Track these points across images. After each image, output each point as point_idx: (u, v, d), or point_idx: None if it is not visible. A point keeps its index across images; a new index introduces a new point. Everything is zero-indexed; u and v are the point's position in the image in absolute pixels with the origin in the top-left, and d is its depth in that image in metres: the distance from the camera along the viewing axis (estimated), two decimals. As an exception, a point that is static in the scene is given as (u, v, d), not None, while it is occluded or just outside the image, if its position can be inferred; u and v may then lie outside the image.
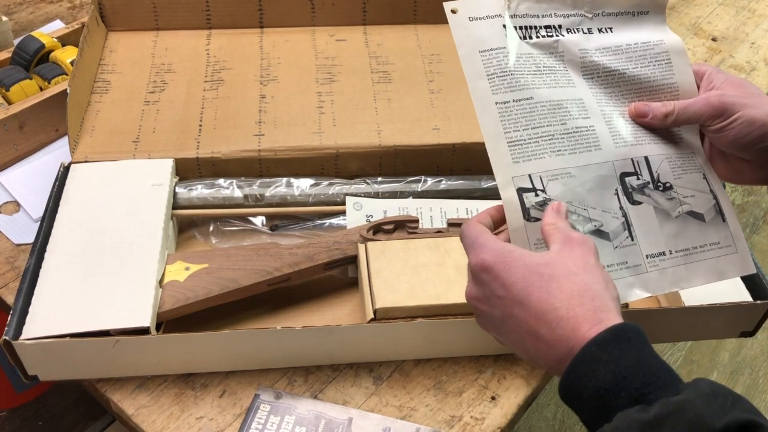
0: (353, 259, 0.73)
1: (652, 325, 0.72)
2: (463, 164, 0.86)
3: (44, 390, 1.32)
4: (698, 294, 0.72)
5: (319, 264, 0.72)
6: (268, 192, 0.80)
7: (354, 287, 0.76)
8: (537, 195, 0.55)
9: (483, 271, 0.49)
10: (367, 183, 0.82)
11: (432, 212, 0.80)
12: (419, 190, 0.82)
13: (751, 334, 0.75)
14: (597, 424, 0.43)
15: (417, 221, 0.75)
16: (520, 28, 0.59)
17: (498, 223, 0.56)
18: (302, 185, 0.81)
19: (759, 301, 0.71)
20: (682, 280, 0.58)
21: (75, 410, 1.34)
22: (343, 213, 0.80)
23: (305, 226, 0.82)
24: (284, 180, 0.81)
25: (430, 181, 0.83)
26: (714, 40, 1.25)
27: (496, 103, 0.56)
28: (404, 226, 0.75)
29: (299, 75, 0.92)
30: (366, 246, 0.72)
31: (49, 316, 0.64)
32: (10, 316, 0.64)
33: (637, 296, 0.56)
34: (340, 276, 0.76)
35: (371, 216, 0.79)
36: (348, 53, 0.96)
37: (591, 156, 0.57)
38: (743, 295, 0.73)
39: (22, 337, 0.62)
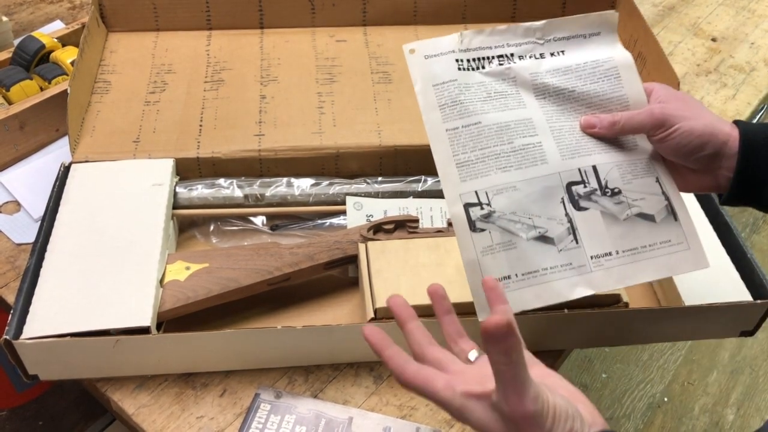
0: (353, 259, 0.73)
1: (652, 325, 0.72)
2: (463, 164, 0.86)
3: (44, 390, 1.32)
4: (698, 294, 0.72)
5: (320, 264, 0.72)
6: (269, 192, 0.80)
7: (354, 287, 0.76)
8: (482, 209, 0.60)
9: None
10: (368, 183, 0.82)
11: (432, 212, 0.80)
12: (419, 190, 0.82)
13: (751, 333, 0.75)
14: None
15: (417, 221, 0.75)
16: (473, 60, 0.64)
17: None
18: (302, 185, 0.81)
19: (759, 301, 0.71)
20: (628, 277, 0.61)
21: (75, 410, 1.34)
22: (344, 213, 0.80)
23: (305, 226, 0.82)
24: (284, 180, 0.82)
25: (430, 181, 0.83)
26: (714, 40, 1.25)
27: (446, 130, 0.62)
28: (404, 226, 0.75)
29: (299, 75, 0.92)
30: (366, 246, 0.72)
31: (50, 315, 0.64)
32: (10, 315, 0.64)
33: (581, 294, 0.60)
34: (340, 276, 0.76)
35: (371, 216, 0.79)
36: (348, 54, 0.96)
37: (537, 170, 0.62)
38: (743, 295, 0.73)
39: (23, 336, 0.63)
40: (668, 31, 1.27)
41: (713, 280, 0.74)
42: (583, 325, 0.70)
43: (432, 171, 0.84)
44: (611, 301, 0.70)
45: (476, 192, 0.60)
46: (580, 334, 0.72)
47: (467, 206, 0.60)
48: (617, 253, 0.61)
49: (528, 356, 0.49)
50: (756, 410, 1.59)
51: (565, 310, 0.68)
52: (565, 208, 0.61)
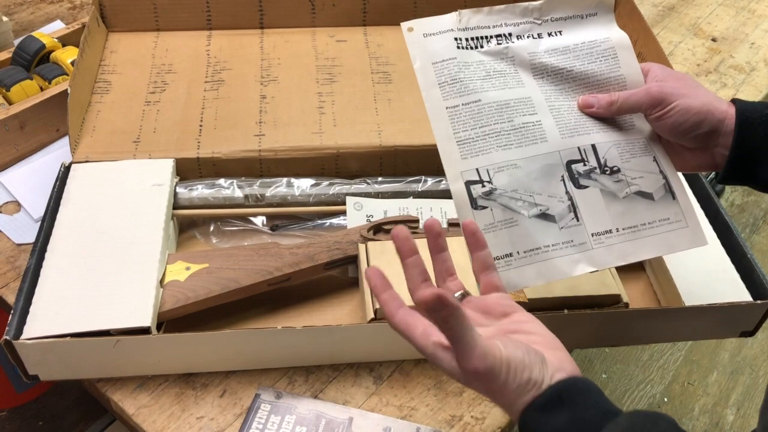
0: (353, 259, 0.73)
1: (652, 325, 0.72)
2: (463, 164, 0.86)
3: (44, 390, 1.32)
4: (698, 294, 0.72)
5: (320, 264, 0.72)
6: (269, 192, 0.80)
7: (354, 287, 0.76)
8: (483, 186, 0.60)
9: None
10: (368, 183, 0.82)
11: (432, 212, 0.80)
12: (419, 190, 0.82)
13: (751, 334, 0.75)
14: None
15: (417, 221, 0.75)
16: (472, 39, 0.65)
17: None
18: (302, 185, 0.81)
19: (759, 301, 0.71)
20: (629, 254, 0.62)
21: (75, 410, 1.34)
22: (344, 213, 0.80)
23: (305, 226, 0.82)
24: (285, 180, 0.82)
25: (430, 181, 0.83)
26: (714, 40, 1.25)
27: (447, 107, 0.62)
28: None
29: (300, 75, 0.92)
30: (366, 246, 0.72)
31: (50, 315, 0.64)
32: (10, 315, 0.64)
33: (583, 270, 0.61)
34: (340, 276, 0.76)
35: (371, 216, 0.79)
36: (348, 54, 0.96)
37: (537, 148, 0.62)
38: (743, 295, 0.73)
39: (23, 336, 0.63)
40: (668, 31, 1.27)
41: (713, 280, 0.74)
42: (583, 325, 0.70)
43: (432, 171, 0.85)
44: (611, 301, 0.70)
45: (477, 169, 0.60)
46: (580, 334, 0.72)
47: (468, 184, 0.60)
48: (617, 230, 0.62)
49: (507, 303, 0.52)
50: (756, 411, 1.59)
51: (565, 311, 0.68)
52: (565, 186, 0.62)
